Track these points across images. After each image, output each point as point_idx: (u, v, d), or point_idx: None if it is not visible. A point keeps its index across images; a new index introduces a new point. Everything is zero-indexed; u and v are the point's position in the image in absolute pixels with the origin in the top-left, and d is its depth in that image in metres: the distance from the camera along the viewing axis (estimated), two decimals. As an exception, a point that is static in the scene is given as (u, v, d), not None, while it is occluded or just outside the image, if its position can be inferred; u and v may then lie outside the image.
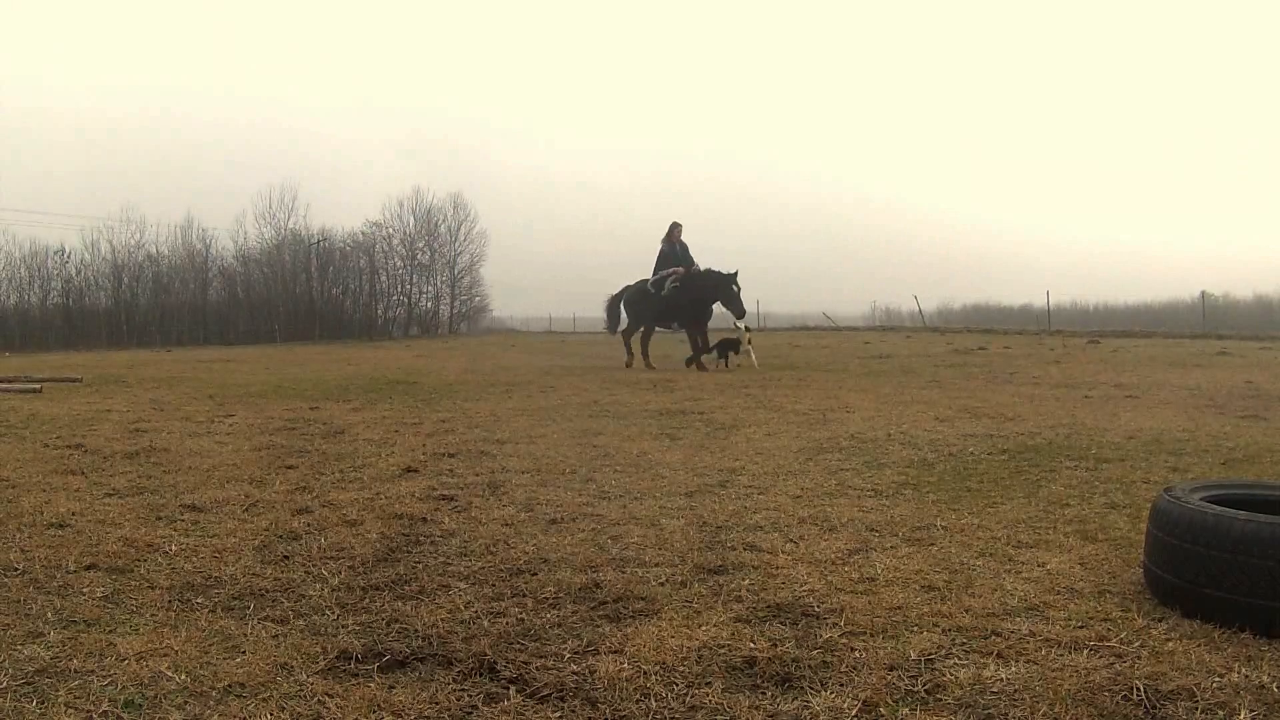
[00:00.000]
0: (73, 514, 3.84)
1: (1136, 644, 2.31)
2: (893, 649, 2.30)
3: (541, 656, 2.28)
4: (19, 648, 2.33)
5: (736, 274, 12.89)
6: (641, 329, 13.83)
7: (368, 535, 3.49)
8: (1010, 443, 5.61)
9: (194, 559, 3.17)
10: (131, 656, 2.26)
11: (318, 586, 2.87)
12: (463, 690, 2.10)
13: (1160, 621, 2.46)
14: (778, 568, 3.01)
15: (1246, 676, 2.09)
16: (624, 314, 14.10)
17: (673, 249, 13.19)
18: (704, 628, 2.45)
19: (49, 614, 2.59)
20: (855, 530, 3.50)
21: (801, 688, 2.09)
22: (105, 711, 1.98)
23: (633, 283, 13.96)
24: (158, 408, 8.25)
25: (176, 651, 2.30)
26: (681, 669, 2.19)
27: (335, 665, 2.24)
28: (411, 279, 51.33)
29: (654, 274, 13.32)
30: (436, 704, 2.02)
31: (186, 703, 2.03)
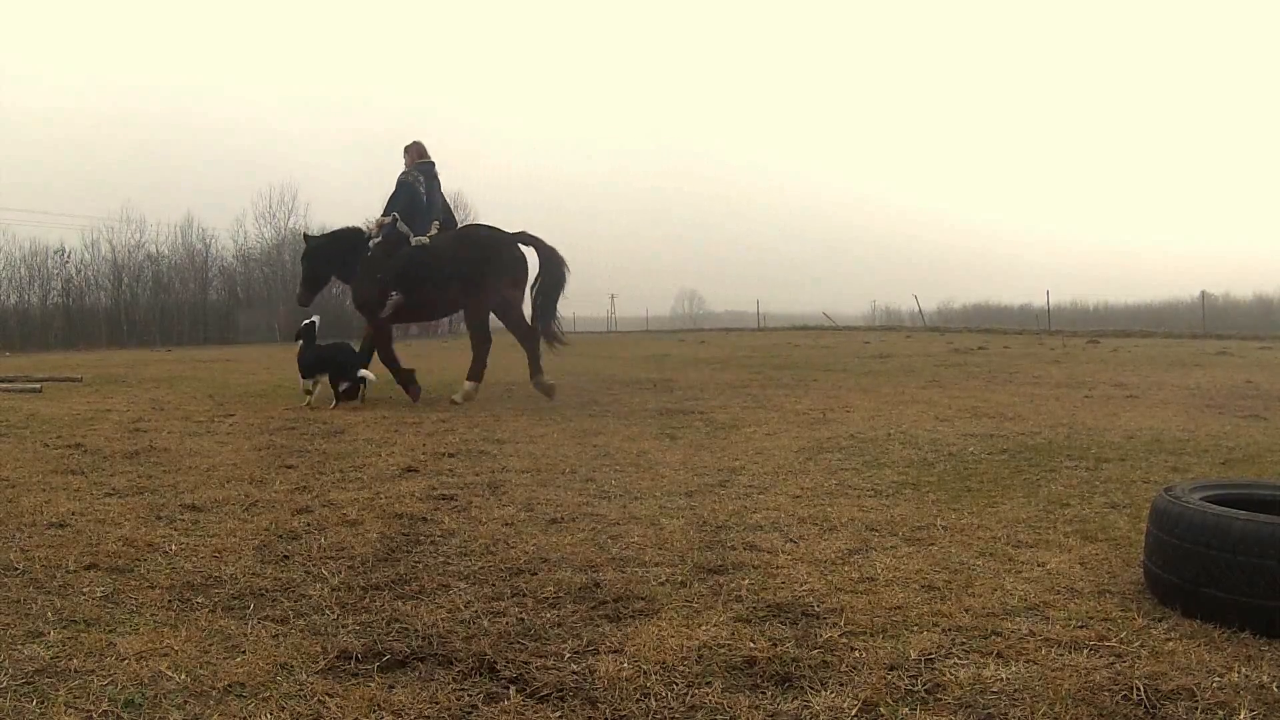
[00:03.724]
0: (73, 514, 3.84)
1: (1136, 644, 2.31)
2: (893, 649, 2.30)
3: (541, 656, 2.28)
4: (19, 647, 2.33)
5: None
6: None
7: (368, 535, 3.49)
8: (1010, 442, 5.61)
9: (194, 559, 3.17)
10: (131, 656, 2.26)
11: (318, 586, 2.86)
12: (463, 690, 2.10)
13: (1160, 621, 2.46)
14: (778, 568, 3.01)
15: (1246, 676, 2.09)
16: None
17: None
18: (704, 627, 2.44)
19: (49, 614, 2.59)
20: (855, 530, 3.50)
21: (801, 687, 2.09)
22: (105, 711, 1.98)
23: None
24: (158, 408, 8.24)
25: (176, 651, 2.30)
26: (681, 669, 2.19)
27: (335, 665, 2.24)
28: (412, 279, 51.32)
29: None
30: (436, 704, 2.02)
31: (186, 702, 2.03)
